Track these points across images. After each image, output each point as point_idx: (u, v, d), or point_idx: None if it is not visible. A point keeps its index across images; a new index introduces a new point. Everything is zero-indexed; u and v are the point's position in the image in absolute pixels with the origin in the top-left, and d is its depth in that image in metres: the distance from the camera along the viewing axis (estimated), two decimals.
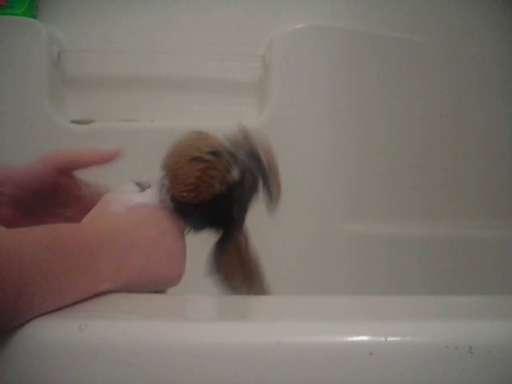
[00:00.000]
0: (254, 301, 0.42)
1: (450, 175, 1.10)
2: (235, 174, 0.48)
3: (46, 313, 0.33)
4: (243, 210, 0.51)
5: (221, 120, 1.06)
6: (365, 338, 0.32)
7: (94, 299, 0.38)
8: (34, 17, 1.05)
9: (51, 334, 0.32)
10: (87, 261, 0.37)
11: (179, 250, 0.48)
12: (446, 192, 1.10)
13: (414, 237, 1.07)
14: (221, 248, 0.51)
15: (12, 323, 0.31)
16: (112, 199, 0.47)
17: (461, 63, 1.11)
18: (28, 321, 0.32)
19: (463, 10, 1.12)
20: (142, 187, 0.50)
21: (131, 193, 0.48)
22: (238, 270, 0.51)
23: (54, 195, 0.52)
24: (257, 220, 1.09)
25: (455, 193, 1.10)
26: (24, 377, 0.31)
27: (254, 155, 0.50)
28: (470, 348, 0.31)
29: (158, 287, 0.46)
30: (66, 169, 0.52)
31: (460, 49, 1.11)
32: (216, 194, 0.46)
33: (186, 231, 0.50)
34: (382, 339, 0.31)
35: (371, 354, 0.31)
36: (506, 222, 1.08)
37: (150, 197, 0.48)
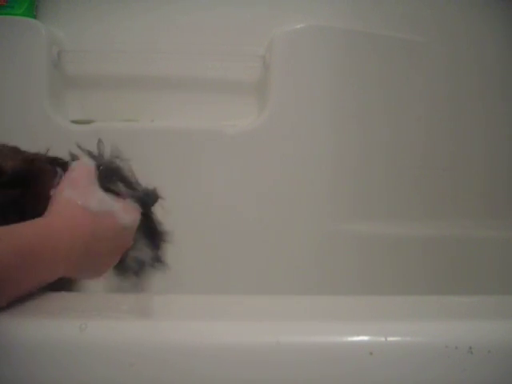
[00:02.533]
0: (254, 301, 0.42)
1: (451, 175, 1.10)
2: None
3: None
4: None
5: (221, 120, 1.07)
6: (365, 337, 0.32)
7: (94, 299, 0.38)
8: (34, 17, 1.05)
9: (51, 334, 0.32)
10: (49, 260, 0.41)
11: None
12: (447, 192, 1.10)
13: (414, 237, 1.07)
14: None
15: None
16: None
17: (461, 63, 1.11)
18: (28, 321, 0.32)
19: (463, 10, 1.12)
20: None
21: None
22: None
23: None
24: (257, 220, 1.09)
25: (456, 193, 1.10)
26: (24, 376, 0.31)
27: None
28: (470, 348, 0.31)
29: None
30: None
31: (460, 49, 1.11)
32: None
33: None
34: (382, 339, 0.31)
35: (371, 353, 0.31)
36: (507, 222, 1.08)
37: None
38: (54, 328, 0.32)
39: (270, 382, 0.31)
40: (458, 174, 1.11)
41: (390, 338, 0.31)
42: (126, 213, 0.51)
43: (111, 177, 0.52)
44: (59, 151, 0.54)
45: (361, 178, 1.07)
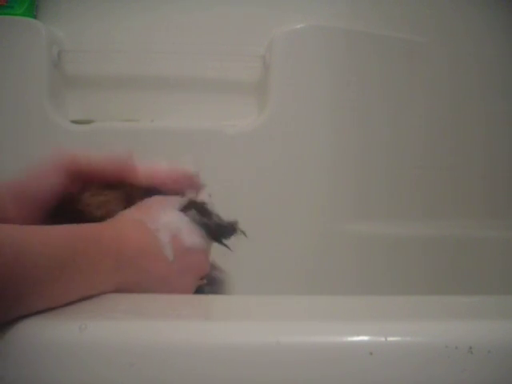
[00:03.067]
0: (254, 300, 0.42)
1: (452, 175, 1.10)
2: None
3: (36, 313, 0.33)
4: None
5: (221, 120, 1.06)
6: (365, 338, 0.32)
7: (94, 299, 0.38)
8: (34, 17, 1.05)
9: (51, 334, 0.32)
10: (85, 271, 0.36)
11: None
12: (448, 192, 1.10)
13: (415, 237, 1.07)
14: None
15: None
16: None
17: (461, 63, 1.11)
18: (28, 321, 0.32)
19: (463, 10, 1.12)
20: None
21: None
22: None
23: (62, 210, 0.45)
24: (257, 220, 1.09)
25: (457, 193, 1.10)
26: (24, 377, 0.31)
27: None
28: (470, 348, 0.31)
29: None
30: (81, 178, 0.45)
31: (460, 49, 1.11)
32: None
33: None
34: (382, 339, 0.31)
35: (371, 354, 0.31)
36: (507, 222, 1.08)
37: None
38: (53, 328, 0.32)
39: (269, 382, 0.31)
40: (459, 174, 1.11)
41: (390, 338, 0.31)
42: (192, 234, 0.46)
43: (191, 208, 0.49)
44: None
45: (361, 177, 1.07)
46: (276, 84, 1.04)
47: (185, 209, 0.49)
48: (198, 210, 0.50)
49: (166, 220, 0.44)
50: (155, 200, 0.47)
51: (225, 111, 1.07)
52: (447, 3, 1.12)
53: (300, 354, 0.31)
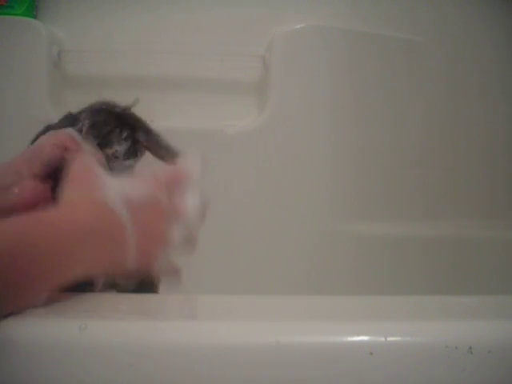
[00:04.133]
0: (254, 301, 0.42)
1: (452, 175, 1.10)
2: None
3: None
4: None
5: (221, 120, 1.06)
6: (365, 338, 0.32)
7: (94, 299, 0.38)
8: (34, 17, 1.05)
9: (51, 334, 0.32)
10: (56, 262, 0.36)
11: None
12: (448, 192, 1.10)
13: (415, 237, 1.07)
14: None
15: None
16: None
17: (461, 63, 1.11)
18: (29, 321, 0.32)
19: (463, 10, 1.12)
20: None
21: None
22: None
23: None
24: (257, 220, 1.09)
25: (456, 193, 1.10)
26: (24, 377, 0.31)
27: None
28: (470, 348, 0.31)
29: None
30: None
31: (460, 48, 1.11)
32: None
33: None
34: (382, 339, 0.31)
35: (371, 354, 0.31)
36: (507, 221, 1.08)
37: None
38: (53, 328, 0.32)
39: (269, 382, 0.31)
40: (458, 174, 1.11)
41: (390, 338, 0.31)
42: (137, 190, 0.45)
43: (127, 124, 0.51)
44: None
45: (361, 177, 1.07)
46: (276, 84, 1.04)
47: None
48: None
49: (106, 185, 0.44)
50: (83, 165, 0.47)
51: (225, 111, 1.07)
52: (447, 3, 1.12)
53: (300, 354, 0.31)
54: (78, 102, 0.59)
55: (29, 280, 0.34)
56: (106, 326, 0.33)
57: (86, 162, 0.47)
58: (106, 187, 0.43)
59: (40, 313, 0.34)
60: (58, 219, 0.39)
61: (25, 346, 0.31)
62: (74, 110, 0.57)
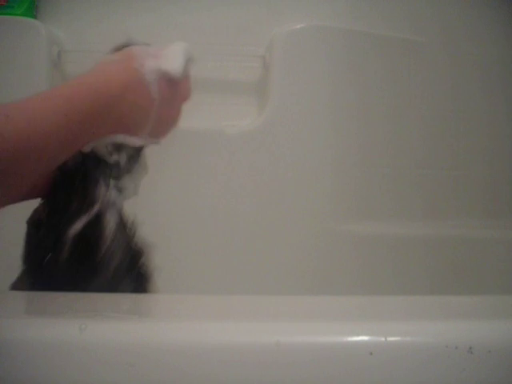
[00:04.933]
0: (254, 301, 0.42)
1: (452, 175, 1.10)
2: None
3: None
4: None
5: (221, 120, 1.06)
6: (365, 338, 0.32)
7: (94, 299, 0.38)
8: (34, 17, 1.05)
9: (51, 334, 0.32)
10: (101, 121, 0.44)
11: None
12: (448, 192, 1.10)
13: (415, 237, 1.07)
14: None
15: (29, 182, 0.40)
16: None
17: (461, 63, 1.11)
18: (28, 321, 0.32)
19: (463, 10, 1.12)
20: None
21: None
22: None
23: None
24: (257, 220, 1.09)
25: (457, 193, 1.10)
26: (24, 377, 0.31)
27: None
28: (470, 348, 0.31)
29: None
30: None
31: (460, 49, 1.11)
32: None
33: None
34: (382, 339, 0.31)
35: (371, 354, 0.31)
36: (508, 221, 1.08)
37: None
38: (53, 328, 0.32)
39: (269, 382, 0.31)
40: (459, 174, 1.11)
41: (390, 338, 0.31)
42: (175, 64, 0.53)
43: None
44: None
45: (361, 177, 1.07)
46: (276, 84, 1.04)
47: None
48: None
49: (148, 55, 0.52)
50: (135, 47, 0.54)
51: (225, 111, 1.07)
52: (447, 3, 1.12)
53: (300, 354, 0.31)
54: None
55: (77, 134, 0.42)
56: (106, 326, 0.33)
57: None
58: (143, 64, 0.49)
59: (40, 313, 0.34)
60: (99, 85, 0.45)
61: (25, 345, 0.31)
62: None
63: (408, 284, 0.99)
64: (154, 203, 0.95)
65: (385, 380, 0.31)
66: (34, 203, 0.47)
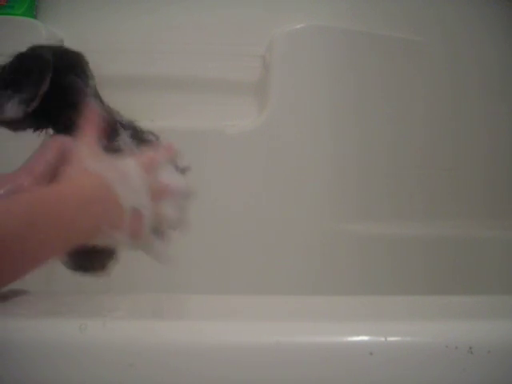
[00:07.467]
0: (254, 301, 0.42)
1: (452, 175, 1.10)
2: None
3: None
4: None
5: (221, 120, 1.06)
6: (365, 337, 0.32)
7: (94, 299, 0.38)
8: (34, 17, 1.05)
9: (51, 334, 0.32)
10: (64, 227, 0.42)
11: None
12: (448, 192, 1.10)
13: (415, 237, 1.07)
14: None
15: None
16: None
17: (461, 63, 1.11)
18: (29, 321, 0.32)
19: (463, 10, 1.12)
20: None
21: None
22: None
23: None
24: (257, 220, 1.09)
25: (457, 193, 1.10)
26: (24, 377, 0.31)
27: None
28: (470, 348, 0.31)
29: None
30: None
31: (460, 49, 1.11)
32: None
33: None
34: (382, 339, 0.31)
35: (371, 354, 0.31)
36: (508, 222, 1.08)
37: None
38: (53, 328, 0.32)
39: (269, 382, 0.31)
40: (459, 174, 1.11)
41: (390, 338, 0.31)
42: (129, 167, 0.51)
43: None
44: None
45: (361, 177, 1.07)
46: (276, 84, 1.04)
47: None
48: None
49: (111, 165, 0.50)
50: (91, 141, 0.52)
51: (225, 111, 1.07)
52: (447, 3, 1.11)
53: (300, 354, 0.31)
54: None
55: (41, 244, 0.39)
56: (106, 326, 0.33)
57: (83, 147, 0.51)
58: (101, 165, 0.48)
59: (40, 313, 0.34)
60: (61, 194, 0.44)
61: (25, 345, 0.31)
62: None
63: (408, 284, 0.99)
64: None
65: (385, 380, 0.31)
66: None
